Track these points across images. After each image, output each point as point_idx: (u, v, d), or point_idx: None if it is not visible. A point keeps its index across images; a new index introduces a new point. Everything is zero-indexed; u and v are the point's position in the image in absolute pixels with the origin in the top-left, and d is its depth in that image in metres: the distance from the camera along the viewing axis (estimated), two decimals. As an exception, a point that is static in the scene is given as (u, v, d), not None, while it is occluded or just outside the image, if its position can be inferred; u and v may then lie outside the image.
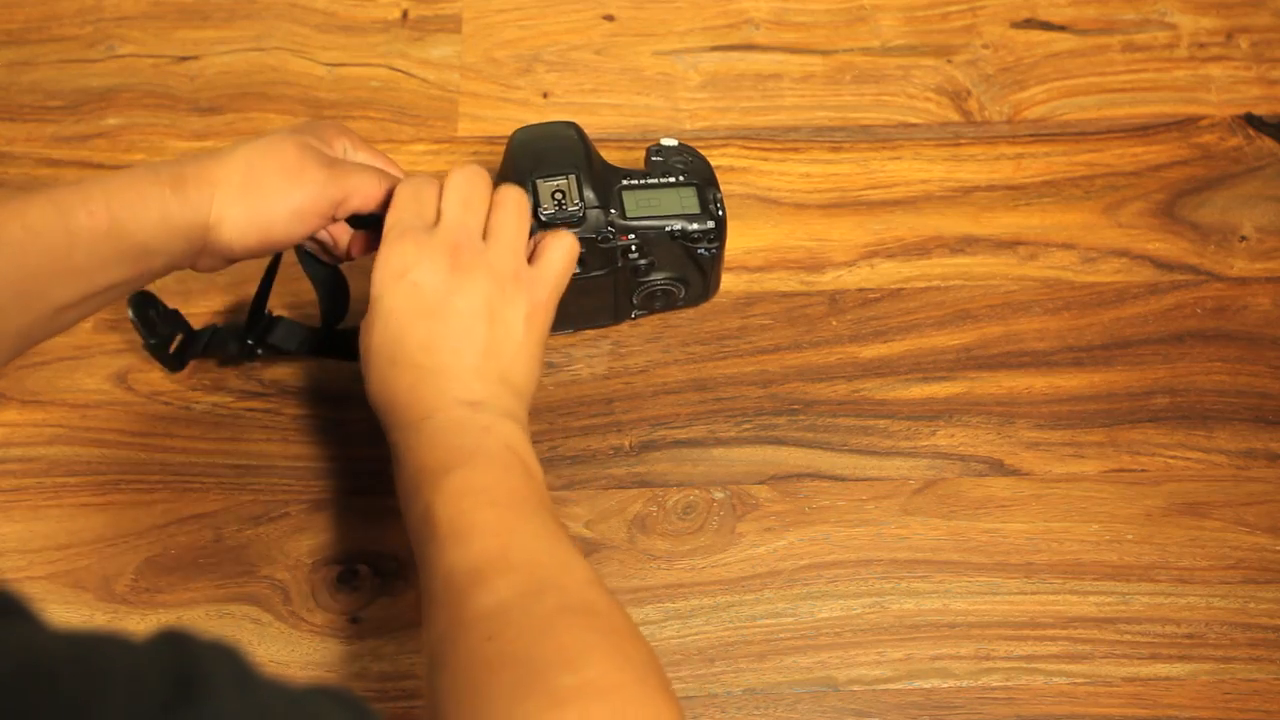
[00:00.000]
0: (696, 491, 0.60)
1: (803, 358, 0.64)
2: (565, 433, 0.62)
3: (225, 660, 0.30)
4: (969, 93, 0.71)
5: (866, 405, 0.63)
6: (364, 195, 0.54)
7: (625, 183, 0.58)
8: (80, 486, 0.60)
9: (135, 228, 0.49)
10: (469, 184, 0.53)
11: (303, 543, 0.59)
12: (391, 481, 0.60)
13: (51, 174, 0.68)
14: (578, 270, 0.56)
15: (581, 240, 0.55)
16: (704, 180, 0.59)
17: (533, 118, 0.70)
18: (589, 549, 0.59)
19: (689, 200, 0.58)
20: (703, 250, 0.59)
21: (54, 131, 0.70)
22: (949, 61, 0.72)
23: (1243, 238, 0.67)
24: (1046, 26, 0.73)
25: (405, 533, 0.59)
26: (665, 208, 0.58)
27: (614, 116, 0.70)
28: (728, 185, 0.68)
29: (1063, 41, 0.73)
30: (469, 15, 0.74)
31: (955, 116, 0.70)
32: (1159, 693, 0.56)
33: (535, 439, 0.61)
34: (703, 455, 0.61)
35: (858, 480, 0.61)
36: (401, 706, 0.56)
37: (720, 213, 0.59)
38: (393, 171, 0.57)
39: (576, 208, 0.55)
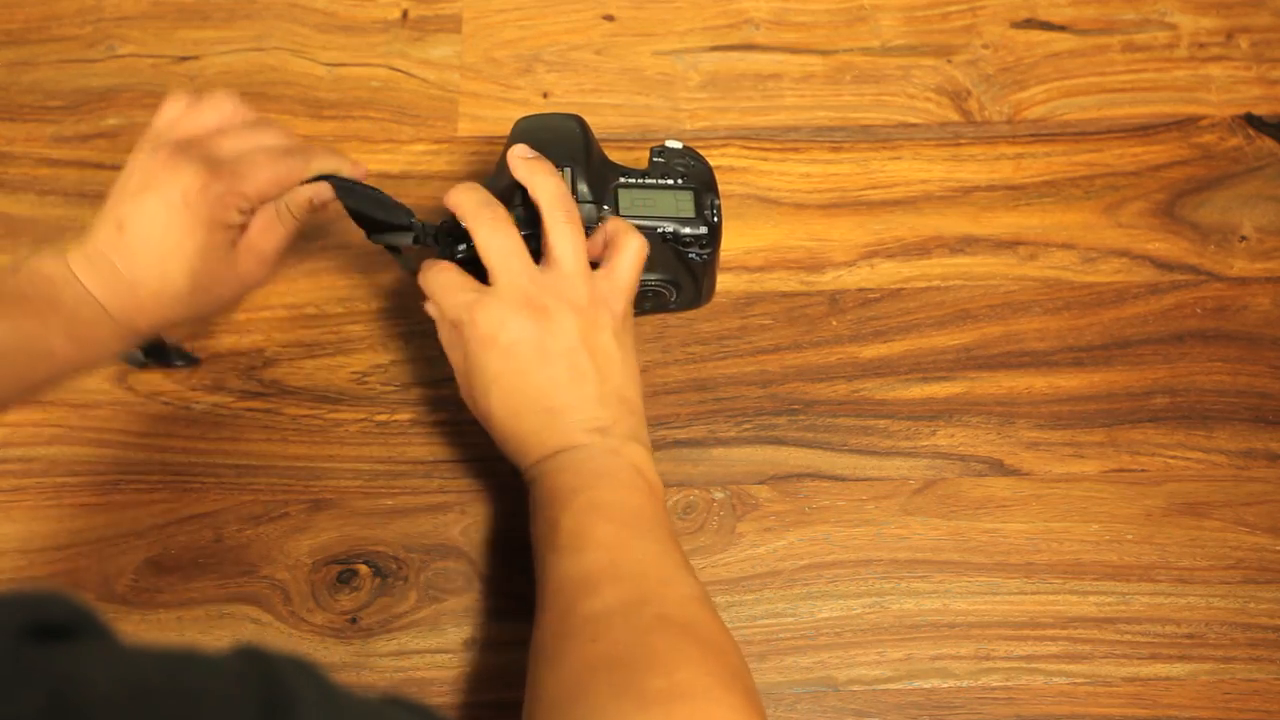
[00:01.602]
0: (696, 491, 0.60)
1: (803, 358, 0.64)
2: (565, 433, 0.62)
3: (307, 677, 0.31)
4: (969, 93, 0.71)
5: (866, 405, 0.63)
6: (269, 176, 0.54)
7: (622, 180, 0.58)
8: (80, 486, 0.60)
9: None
10: (493, 224, 0.53)
11: (303, 543, 0.59)
12: (391, 481, 0.61)
13: (51, 174, 0.68)
14: None
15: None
16: (703, 185, 0.59)
17: (533, 118, 0.70)
18: (589, 549, 0.59)
19: (685, 204, 0.58)
20: (694, 255, 0.59)
21: (54, 131, 0.70)
22: (949, 61, 0.72)
23: (1243, 238, 0.67)
24: (1046, 26, 0.73)
25: (405, 533, 0.59)
26: (659, 209, 0.58)
27: (614, 116, 0.70)
28: (727, 185, 0.68)
29: (1063, 41, 0.73)
30: (469, 15, 0.74)
31: (955, 116, 0.70)
32: (1159, 693, 0.56)
33: (535, 439, 0.61)
34: (703, 455, 0.61)
35: (858, 480, 0.61)
36: (401, 706, 0.56)
37: (715, 219, 0.58)
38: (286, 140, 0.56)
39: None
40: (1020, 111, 0.71)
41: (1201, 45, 0.73)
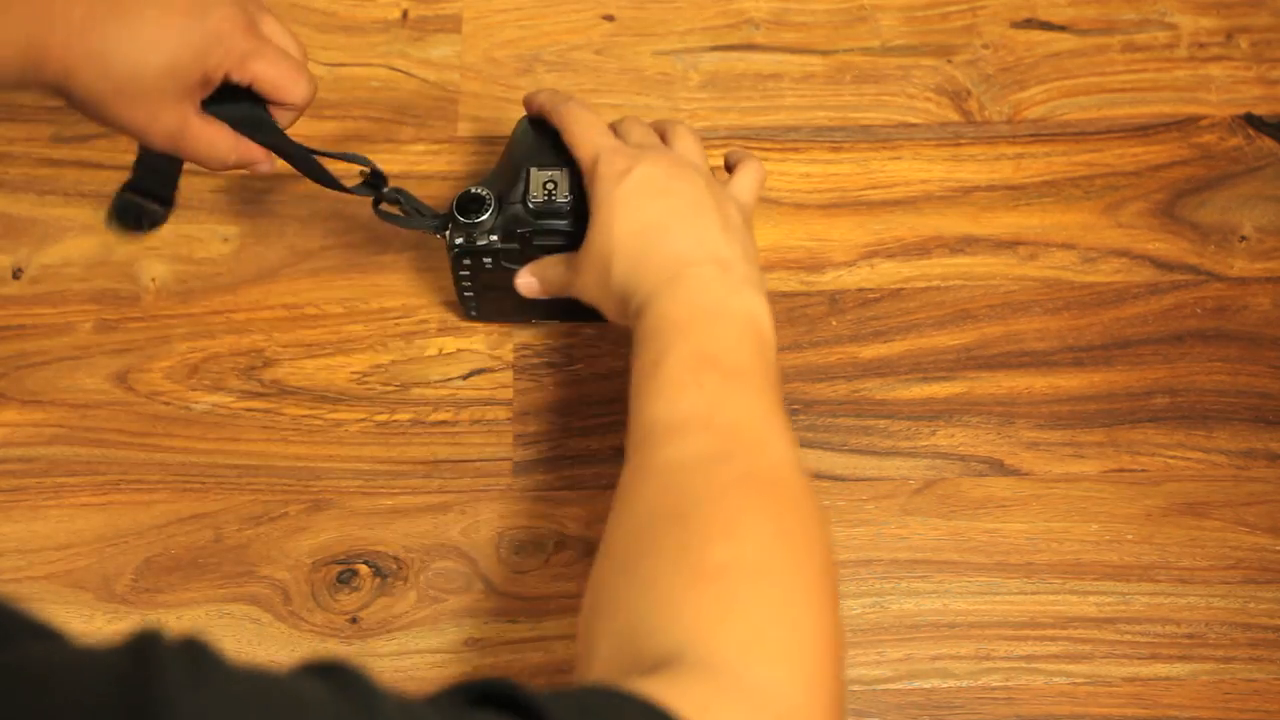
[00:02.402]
0: (696, 491, 0.60)
1: (803, 358, 0.64)
2: (565, 433, 0.62)
3: (184, 665, 0.28)
4: (969, 93, 0.71)
5: (866, 405, 0.63)
6: (278, 72, 0.52)
7: None
8: (80, 486, 0.60)
9: None
10: (637, 122, 0.56)
11: (303, 543, 0.59)
12: (391, 481, 0.61)
13: (51, 174, 0.68)
14: None
15: (562, 234, 0.56)
16: None
17: (533, 118, 0.70)
18: (589, 549, 0.59)
19: None
20: None
21: (54, 132, 0.70)
22: (949, 61, 0.72)
23: (1243, 238, 0.67)
24: (1046, 26, 0.73)
25: (405, 533, 0.59)
26: None
27: (614, 116, 0.70)
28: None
29: (1063, 41, 0.73)
30: (469, 15, 0.73)
31: (955, 116, 0.70)
32: (1159, 693, 0.56)
33: (535, 439, 0.61)
34: (703, 455, 0.61)
35: (858, 480, 0.61)
36: (401, 706, 0.56)
37: None
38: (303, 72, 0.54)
39: (565, 200, 0.56)
40: (1020, 111, 0.71)
41: (1201, 45, 0.73)
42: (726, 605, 0.39)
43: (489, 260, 0.57)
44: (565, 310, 0.61)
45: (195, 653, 0.28)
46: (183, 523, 0.60)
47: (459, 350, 0.64)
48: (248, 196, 0.68)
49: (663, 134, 0.57)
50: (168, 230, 0.67)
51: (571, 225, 0.56)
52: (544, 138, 0.58)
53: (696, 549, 0.40)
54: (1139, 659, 0.57)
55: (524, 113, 0.60)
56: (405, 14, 0.74)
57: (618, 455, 0.61)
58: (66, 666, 0.27)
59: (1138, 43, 0.73)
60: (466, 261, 0.58)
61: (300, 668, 0.30)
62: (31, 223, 0.67)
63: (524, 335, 0.64)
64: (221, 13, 0.50)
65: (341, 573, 0.59)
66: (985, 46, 0.73)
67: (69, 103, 0.50)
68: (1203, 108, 0.71)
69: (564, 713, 0.32)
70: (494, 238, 0.56)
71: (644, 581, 0.40)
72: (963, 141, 0.70)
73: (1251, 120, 0.70)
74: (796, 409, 0.62)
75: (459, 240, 0.56)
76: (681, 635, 0.38)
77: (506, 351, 0.64)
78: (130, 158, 0.69)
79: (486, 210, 0.56)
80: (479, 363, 0.64)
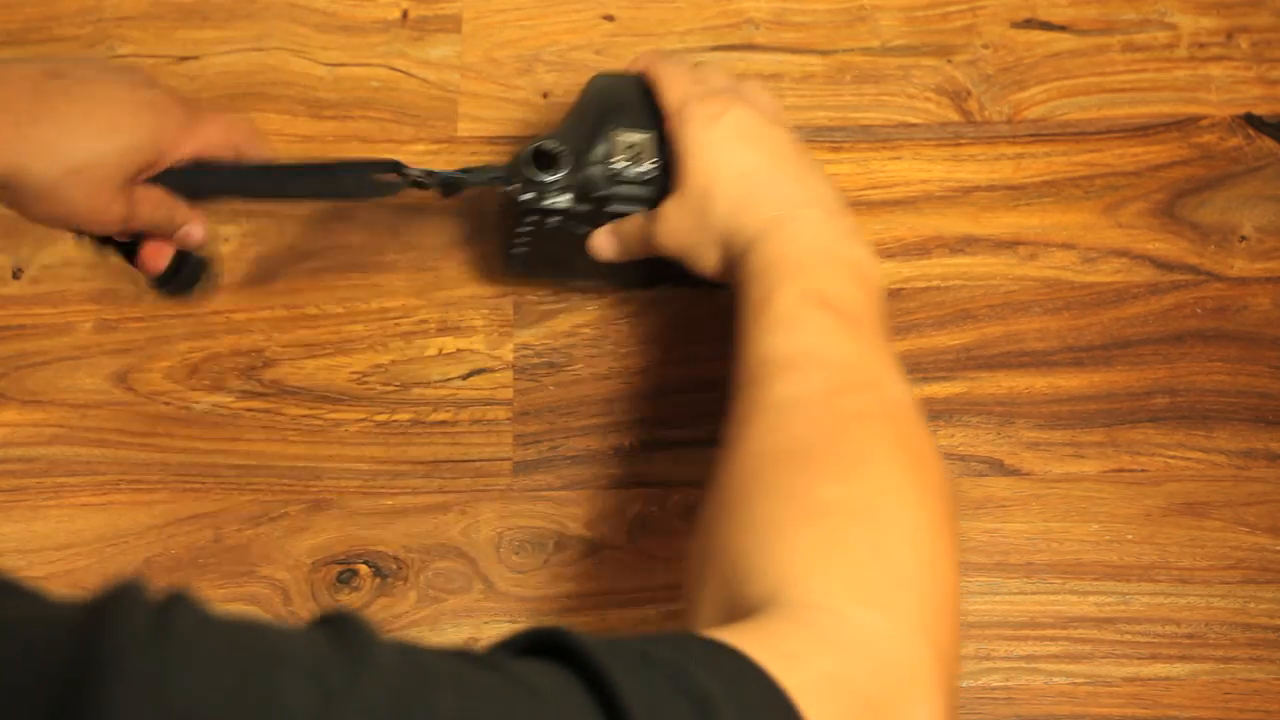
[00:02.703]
0: (696, 491, 0.60)
1: (803, 358, 0.64)
2: (565, 433, 0.62)
3: (148, 619, 0.26)
4: (969, 93, 0.71)
5: (866, 405, 0.62)
6: (229, 133, 0.53)
7: None
8: (80, 486, 0.60)
9: None
10: (717, 68, 0.56)
11: (303, 543, 0.59)
12: (391, 481, 0.61)
13: (51, 174, 0.68)
14: None
15: (643, 200, 0.53)
16: None
17: (533, 118, 0.70)
18: (589, 549, 0.59)
19: None
20: None
21: (54, 131, 0.70)
22: (949, 61, 0.72)
23: (1243, 238, 0.67)
24: (1046, 26, 0.73)
25: (405, 533, 0.59)
26: None
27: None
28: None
29: (1063, 41, 0.73)
30: (469, 15, 0.73)
31: (955, 116, 0.70)
32: (1159, 693, 0.56)
33: (535, 439, 0.61)
34: (703, 455, 0.61)
35: (858, 480, 0.61)
36: (401, 706, 0.56)
37: None
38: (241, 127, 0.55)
39: (650, 167, 0.53)
40: (1020, 111, 0.71)
41: (1201, 45, 0.73)
42: (829, 545, 0.37)
43: (555, 220, 0.54)
44: (616, 273, 0.59)
45: (170, 606, 0.26)
46: (183, 523, 0.60)
47: (459, 350, 0.64)
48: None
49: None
50: (168, 230, 0.67)
51: (652, 194, 0.53)
52: (627, 98, 0.55)
53: (805, 488, 0.38)
54: (1139, 659, 0.57)
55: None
56: (405, 14, 0.74)
57: (618, 455, 0.61)
58: (26, 619, 0.26)
59: (1138, 43, 0.73)
60: (532, 219, 0.54)
61: (311, 619, 0.29)
62: (31, 223, 0.67)
63: (524, 335, 0.64)
64: (155, 93, 0.51)
65: (341, 573, 0.59)
66: (985, 46, 0.73)
67: (6, 198, 0.49)
68: (1203, 108, 0.70)
69: (619, 661, 0.30)
70: (566, 198, 0.53)
71: (749, 523, 0.38)
72: (963, 141, 0.70)
73: (1251, 120, 0.70)
74: (796, 409, 0.62)
75: (527, 196, 0.53)
76: (781, 577, 0.36)
77: (506, 351, 0.64)
78: (130, 158, 0.69)
79: (562, 168, 0.53)
80: (479, 363, 0.64)
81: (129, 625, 0.25)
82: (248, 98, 0.71)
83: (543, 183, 0.53)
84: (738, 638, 0.33)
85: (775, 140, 0.51)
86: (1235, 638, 0.57)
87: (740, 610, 0.36)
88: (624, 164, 0.53)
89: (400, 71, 0.72)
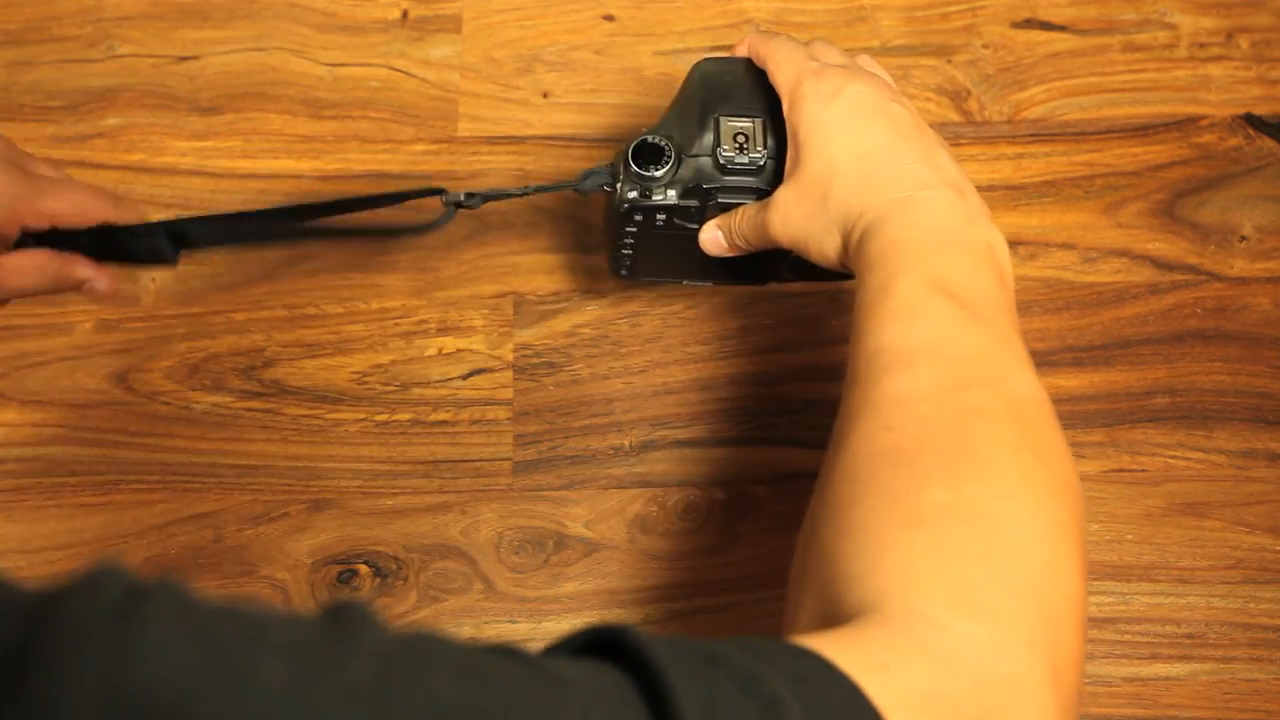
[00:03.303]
0: (697, 491, 0.60)
1: (803, 358, 0.64)
2: (565, 433, 0.62)
3: (118, 601, 0.25)
4: (969, 93, 0.71)
5: (866, 405, 0.62)
6: (75, 204, 0.51)
7: None
8: (80, 486, 0.60)
9: None
10: (829, 44, 0.52)
11: (303, 543, 0.59)
12: (391, 481, 0.61)
13: (51, 174, 0.68)
14: None
15: (753, 191, 0.51)
16: None
17: (533, 118, 0.70)
18: (589, 549, 0.59)
19: None
20: None
21: (54, 131, 0.70)
22: (949, 61, 0.72)
23: (1243, 238, 0.67)
24: (1046, 26, 0.73)
25: (405, 533, 0.59)
26: None
27: (614, 116, 0.70)
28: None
29: (1063, 41, 0.73)
30: (469, 15, 0.73)
31: (955, 116, 0.70)
32: (1159, 693, 0.56)
33: (535, 439, 0.61)
34: (703, 455, 0.61)
35: (858, 480, 0.61)
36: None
37: None
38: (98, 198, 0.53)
39: (759, 154, 0.50)
40: (1020, 111, 0.71)
41: (1201, 45, 0.73)
42: (935, 551, 0.35)
43: (661, 218, 0.52)
44: (728, 271, 0.57)
45: (146, 589, 0.25)
46: (183, 523, 0.60)
47: (459, 350, 0.64)
48: (248, 196, 0.68)
49: None
50: (168, 230, 0.67)
51: (764, 182, 0.50)
52: (732, 83, 0.52)
53: (913, 491, 0.36)
54: (1139, 659, 0.57)
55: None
56: (405, 14, 0.74)
57: (618, 455, 0.61)
58: None
59: (1138, 43, 0.73)
60: (637, 218, 0.52)
61: (318, 609, 0.28)
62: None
63: (524, 335, 0.64)
64: None
65: (341, 573, 0.59)
66: (985, 46, 0.73)
67: None
68: (1203, 108, 0.71)
69: (683, 662, 0.28)
70: (672, 193, 0.51)
71: (852, 528, 0.36)
72: (963, 141, 0.70)
73: (1251, 120, 0.70)
74: (796, 409, 0.62)
75: (632, 194, 0.51)
76: (881, 584, 0.34)
77: (506, 351, 0.64)
78: (131, 157, 0.69)
79: (666, 162, 0.51)
80: (479, 363, 0.64)
81: (93, 605, 0.25)
82: (248, 98, 0.71)
83: (647, 178, 0.51)
84: (825, 644, 0.31)
85: (897, 116, 0.47)
86: (1235, 638, 0.57)
87: (838, 619, 0.34)
88: (732, 152, 0.50)
89: (400, 71, 0.72)
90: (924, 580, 0.34)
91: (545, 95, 0.71)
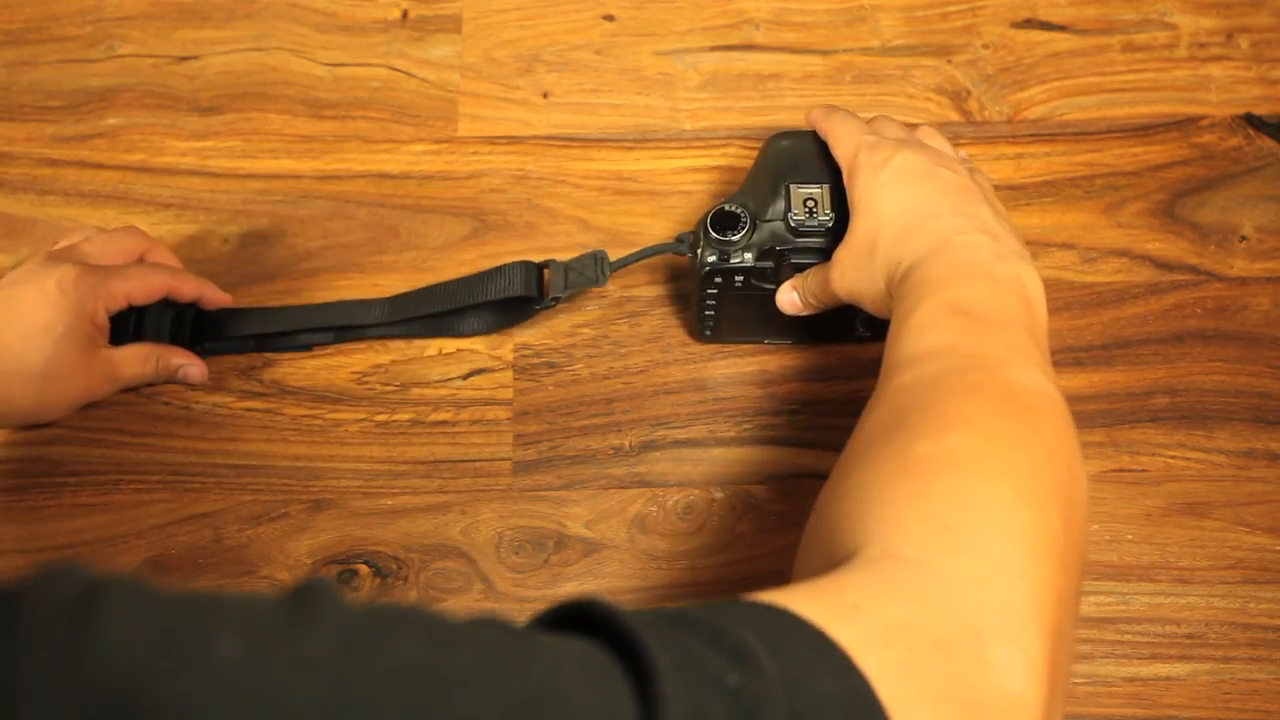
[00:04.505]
0: (696, 491, 0.60)
1: (802, 358, 0.64)
2: (565, 433, 0.62)
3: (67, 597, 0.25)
4: (969, 93, 0.71)
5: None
6: (145, 280, 0.59)
7: None
8: (80, 486, 0.60)
9: None
10: (890, 119, 0.56)
11: (303, 543, 0.59)
12: (391, 481, 0.61)
13: (51, 174, 0.68)
14: None
15: (823, 251, 0.55)
16: None
17: (533, 118, 0.70)
18: (589, 549, 0.59)
19: None
20: None
21: (54, 131, 0.70)
22: (949, 61, 0.72)
23: (1243, 238, 0.67)
24: (1046, 26, 0.73)
25: (405, 533, 0.59)
26: None
27: (614, 116, 0.70)
28: (728, 188, 0.68)
29: (1063, 41, 0.73)
30: (469, 15, 0.74)
31: (955, 116, 0.70)
32: (1159, 693, 0.56)
33: (535, 439, 0.61)
34: (703, 455, 0.61)
35: (858, 480, 0.61)
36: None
37: None
38: (163, 256, 0.63)
39: (826, 217, 0.55)
40: (1020, 111, 0.71)
41: (1201, 45, 0.73)
42: (915, 497, 0.36)
43: (740, 279, 0.57)
44: (804, 329, 0.61)
45: (106, 584, 0.26)
46: (183, 523, 0.60)
47: (459, 350, 0.64)
48: (248, 196, 0.68)
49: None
50: (168, 231, 0.67)
51: (830, 244, 0.55)
52: (801, 155, 0.57)
53: (903, 447, 0.38)
54: (1139, 659, 0.57)
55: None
56: (405, 14, 0.74)
57: (618, 455, 0.61)
58: None
59: (1138, 43, 0.73)
60: (717, 280, 0.57)
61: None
62: (31, 223, 0.67)
63: (524, 335, 0.64)
64: (61, 269, 0.56)
65: (341, 573, 0.59)
66: (985, 46, 0.73)
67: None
68: (1203, 108, 0.71)
69: (650, 626, 0.29)
70: (749, 256, 0.56)
71: (846, 491, 0.39)
72: (963, 141, 0.70)
73: (1251, 120, 0.70)
74: (796, 409, 0.62)
75: (711, 258, 0.56)
76: (866, 534, 0.36)
77: (506, 351, 0.64)
78: (131, 157, 0.69)
79: (742, 228, 0.55)
80: (479, 363, 0.64)
81: (51, 599, 0.25)
82: (248, 98, 0.71)
83: (725, 243, 0.55)
84: (794, 597, 0.32)
85: (941, 178, 0.52)
86: (1235, 638, 0.57)
87: (830, 569, 0.36)
88: (802, 216, 0.55)
89: (400, 71, 0.72)
90: (905, 525, 0.36)
91: (545, 95, 0.71)
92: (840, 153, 0.55)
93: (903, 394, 0.42)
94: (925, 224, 0.50)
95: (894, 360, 0.44)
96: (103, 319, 0.58)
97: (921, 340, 0.44)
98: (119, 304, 0.58)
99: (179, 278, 0.61)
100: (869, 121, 0.57)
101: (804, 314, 0.57)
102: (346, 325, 0.63)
